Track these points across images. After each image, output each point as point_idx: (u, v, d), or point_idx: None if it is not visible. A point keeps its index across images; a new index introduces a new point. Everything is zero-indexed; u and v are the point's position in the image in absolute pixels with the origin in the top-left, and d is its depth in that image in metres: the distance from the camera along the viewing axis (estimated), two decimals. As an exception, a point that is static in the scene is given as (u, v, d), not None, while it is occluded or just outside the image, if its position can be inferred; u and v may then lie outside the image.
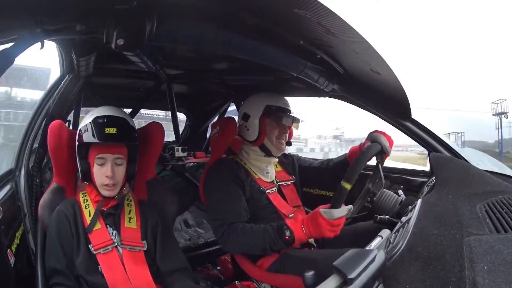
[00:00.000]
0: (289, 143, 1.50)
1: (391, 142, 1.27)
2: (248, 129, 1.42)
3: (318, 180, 1.68)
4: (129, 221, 1.13)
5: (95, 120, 1.09)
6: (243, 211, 1.29)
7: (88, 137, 1.08)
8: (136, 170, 1.18)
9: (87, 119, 1.12)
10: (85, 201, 1.12)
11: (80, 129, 1.11)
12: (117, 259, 1.06)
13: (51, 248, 1.04)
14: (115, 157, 1.09)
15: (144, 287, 1.05)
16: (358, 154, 1.15)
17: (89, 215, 1.09)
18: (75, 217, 1.08)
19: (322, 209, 1.08)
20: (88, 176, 1.12)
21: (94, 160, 1.09)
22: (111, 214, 1.13)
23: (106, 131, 1.07)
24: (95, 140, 1.07)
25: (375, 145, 1.21)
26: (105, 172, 1.08)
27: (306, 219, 1.12)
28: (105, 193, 1.10)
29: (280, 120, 1.41)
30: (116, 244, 1.08)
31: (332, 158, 1.60)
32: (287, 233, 1.13)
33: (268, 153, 1.42)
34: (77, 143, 1.11)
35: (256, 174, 1.41)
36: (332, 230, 1.08)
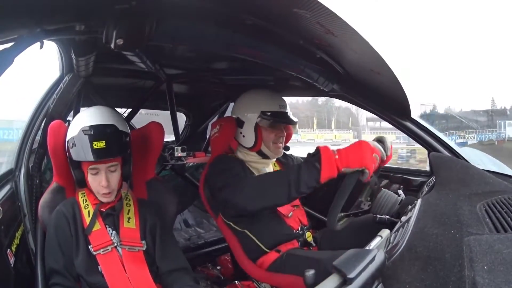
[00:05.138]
0: (286, 148, 1.48)
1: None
2: (244, 136, 1.39)
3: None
4: (128, 221, 1.13)
5: (81, 133, 1.05)
6: None
7: (76, 155, 1.05)
8: (131, 170, 1.16)
9: (73, 128, 1.08)
10: (84, 201, 1.12)
11: (67, 141, 1.08)
12: (117, 259, 1.06)
13: (49, 249, 1.04)
14: (108, 166, 1.07)
15: (144, 287, 1.05)
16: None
17: (89, 216, 1.09)
18: (74, 217, 1.08)
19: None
20: (83, 184, 1.11)
21: (88, 170, 1.07)
22: (110, 215, 1.12)
23: (94, 146, 1.02)
24: (83, 159, 1.04)
25: (352, 176, 0.98)
26: (100, 182, 1.06)
27: (340, 149, 0.98)
28: (102, 199, 1.10)
29: (276, 126, 1.38)
30: (115, 244, 1.08)
31: None
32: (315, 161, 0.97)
33: (266, 157, 1.41)
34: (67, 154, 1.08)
35: (253, 172, 1.41)
36: (373, 159, 0.94)
